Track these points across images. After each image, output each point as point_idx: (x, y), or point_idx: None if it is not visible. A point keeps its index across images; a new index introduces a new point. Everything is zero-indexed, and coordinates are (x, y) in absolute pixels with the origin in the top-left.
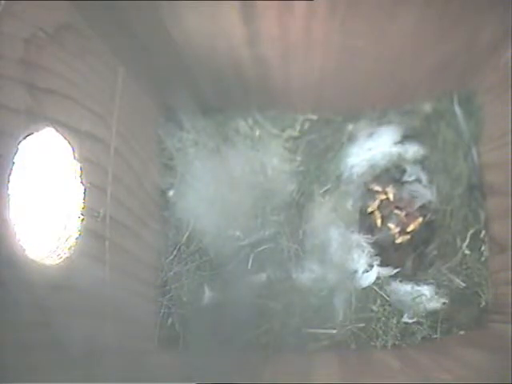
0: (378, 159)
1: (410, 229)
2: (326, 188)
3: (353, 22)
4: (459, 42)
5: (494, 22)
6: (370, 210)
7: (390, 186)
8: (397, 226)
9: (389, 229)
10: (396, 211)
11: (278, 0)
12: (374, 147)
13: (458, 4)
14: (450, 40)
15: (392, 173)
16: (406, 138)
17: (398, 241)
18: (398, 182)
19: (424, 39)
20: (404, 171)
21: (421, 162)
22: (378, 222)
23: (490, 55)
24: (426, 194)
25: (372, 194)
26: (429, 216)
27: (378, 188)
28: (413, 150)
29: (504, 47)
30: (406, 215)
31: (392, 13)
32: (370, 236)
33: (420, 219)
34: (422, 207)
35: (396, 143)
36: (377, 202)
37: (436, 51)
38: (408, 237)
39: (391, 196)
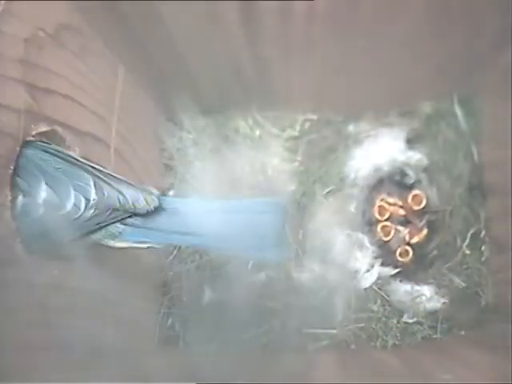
0: (382, 163)
1: (414, 241)
2: (328, 189)
3: (353, 22)
4: (459, 42)
5: (494, 22)
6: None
7: (398, 197)
8: (398, 242)
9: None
10: (399, 227)
11: (278, 0)
12: (377, 149)
13: (458, 4)
14: (450, 40)
15: (395, 176)
16: (408, 140)
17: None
18: (404, 188)
19: (424, 39)
20: (406, 174)
21: (423, 163)
22: (382, 233)
23: (490, 55)
24: (430, 198)
25: (384, 209)
26: (429, 216)
27: (388, 201)
28: (416, 152)
29: (504, 47)
30: (411, 230)
31: (392, 13)
32: (372, 238)
33: (425, 231)
34: (425, 208)
35: (399, 145)
36: (387, 215)
37: (436, 51)
38: (409, 248)
39: (401, 211)
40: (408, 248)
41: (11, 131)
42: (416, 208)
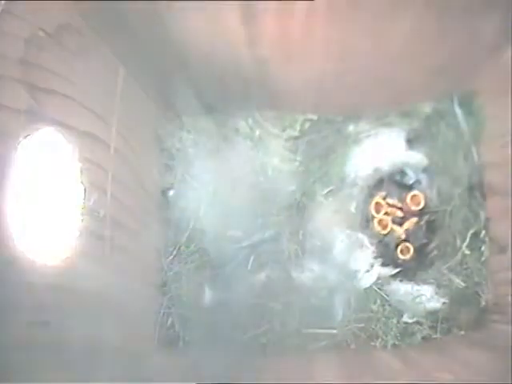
0: (382, 162)
1: (404, 227)
2: (328, 189)
3: (353, 22)
4: (459, 42)
5: (494, 22)
6: (376, 218)
7: (395, 198)
8: (396, 239)
9: (393, 231)
10: (396, 227)
11: (278, 0)
12: (377, 149)
13: (458, 4)
14: (450, 40)
15: (395, 176)
16: (408, 140)
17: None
18: (404, 188)
19: (424, 39)
20: (406, 174)
21: (423, 163)
22: (380, 227)
23: (490, 55)
24: (430, 198)
25: (380, 205)
26: (428, 216)
27: (386, 201)
28: (416, 152)
29: (504, 47)
30: (405, 221)
31: (392, 13)
32: (372, 238)
33: (415, 219)
34: (424, 208)
35: (399, 145)
36: (382, 211)
37: (436, 51)
38: (410, 245)
39: (399, 213)
40: (409, 245)
41: (11, 131)
42: (415, 208)
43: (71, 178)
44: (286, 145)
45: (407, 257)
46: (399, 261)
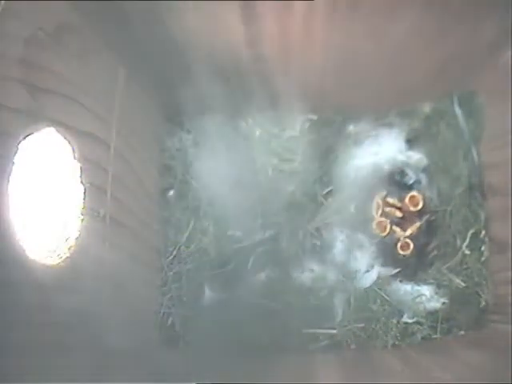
0: (382, 162)
1: (407, 233)
2: (328, 189)
3: (353, 22)
4: (459, 42)
5: (494, 22)
6: (376, 218)
7: (395, 198)
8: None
9: (393, 232)
10: (396, 227)
11: (278, 0)
12: (377, 149)
13: (458, 4)
14: (450, 40)
15: (395, 176)
16: (408, 140)
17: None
18: (404, 188)
19: (424, 39)
20: (406, 173)
21: (423, 163)
22: (379, 230)
23: (490, 55)
24: (430, 198)
25: (379, 206)
26: (428, 216)
27: (386, 200)
28: (416, 152)
29: (504, 47)
30: (405, 221)
31: (392, 13)
32: (372, 238)
33: (418, 223)
34: (423, 209)
35: (399, 145)
36: (380, 212)
37: (436, 51)
38: (409, 241)
39: (398, 213)
40: (408, 241)
41: (11, 131)
42: (413, 209)
43: (71, 178)
44: (285, 145)
45: (407, 252)
46: (399, 256)
